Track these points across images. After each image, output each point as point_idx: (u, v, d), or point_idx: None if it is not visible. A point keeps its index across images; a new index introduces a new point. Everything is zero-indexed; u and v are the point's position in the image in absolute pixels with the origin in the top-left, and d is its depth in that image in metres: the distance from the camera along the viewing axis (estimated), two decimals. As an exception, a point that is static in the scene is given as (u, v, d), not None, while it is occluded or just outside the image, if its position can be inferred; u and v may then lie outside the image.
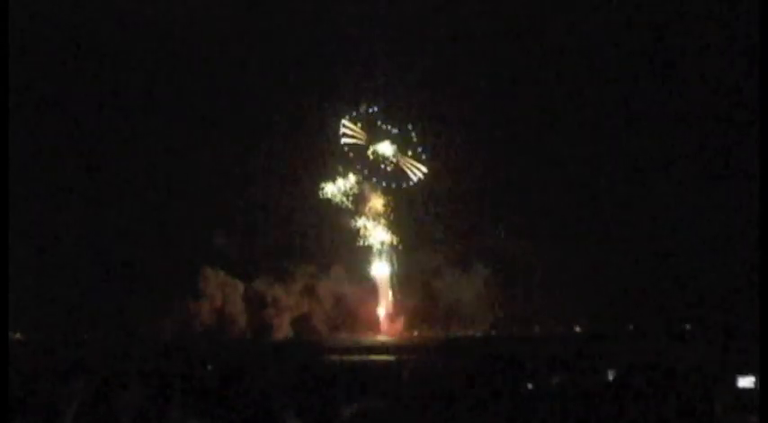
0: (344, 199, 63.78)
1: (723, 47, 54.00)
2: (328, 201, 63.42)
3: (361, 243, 63.90)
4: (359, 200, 64.00)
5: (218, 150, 59.46)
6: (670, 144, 57.61)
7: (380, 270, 64.00)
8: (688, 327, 56.67)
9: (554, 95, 59.44)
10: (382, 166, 64.32)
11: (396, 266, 63.75)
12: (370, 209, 64.00)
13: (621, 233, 58.23)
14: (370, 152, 64.33)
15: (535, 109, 59.97)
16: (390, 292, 63.52)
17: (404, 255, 63.52)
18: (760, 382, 8.60)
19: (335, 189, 63.69)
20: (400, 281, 63.37)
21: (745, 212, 44.68)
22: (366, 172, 64.27)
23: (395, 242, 63.96)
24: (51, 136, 58.82)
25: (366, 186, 64.27)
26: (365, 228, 63.93)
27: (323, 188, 63.31)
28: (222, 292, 60.65)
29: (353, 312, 62.32)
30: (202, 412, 7.68)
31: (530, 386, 10.23)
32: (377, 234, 64.00)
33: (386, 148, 64.38)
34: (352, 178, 64.03)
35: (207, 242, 60.39)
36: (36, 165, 57.00)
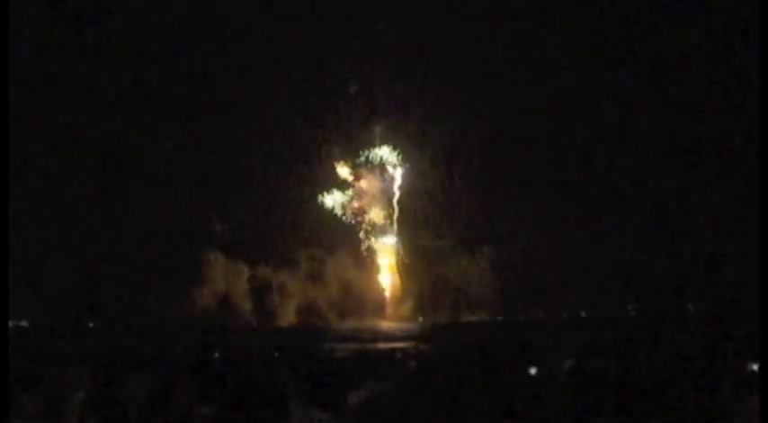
0: (343, 211, 62.92)
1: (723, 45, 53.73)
2: (329, 212, 62.69)
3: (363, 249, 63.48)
4: (357, 212, 63.21)
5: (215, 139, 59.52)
6: (673, 127, 57.51)
7: (386, 254, 63.84)
8: (691, 308, 56.72)
9: (558, 80, 59.26)
10: (381, 176, 63.18)
11: (401, 250, 63.55)
12: (370, 222, 63.24)
13: (627, 216, 58.19)
14: (362, 158, 63.31)
15: (539, 94, 59.77)
16: (397, 277, 63.40)
17: (409, 239, 63.32)
18: (760, 366, 8.60)
19: (332, 201, 62.69)
20: (406, 265, 63.23)
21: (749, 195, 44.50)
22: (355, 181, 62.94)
23: (399, 248, 63.31)
24: (54, 126, 58.80)
25: (363, 198, 63.02)
26: (366, 236, 63.36)
27: (321, 201, 62.43)
28: (226, 278, 60.48)
29: (359, 298, 62.25)
30: (209, 400, 7.66)
31: (533, 371, 10.20)
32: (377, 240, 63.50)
33: (386, 153, 63.11)
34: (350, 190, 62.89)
35: (209, 228, 60.26)
36: (35, 152, 56.99)
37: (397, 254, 63.54)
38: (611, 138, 58.63)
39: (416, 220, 62.50)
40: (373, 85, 60.32)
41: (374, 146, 62.73)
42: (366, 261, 63.71)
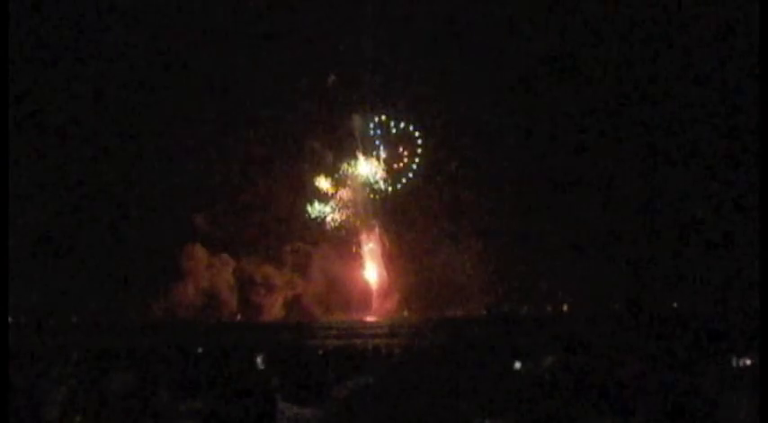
0: (331, 219, 62.76)
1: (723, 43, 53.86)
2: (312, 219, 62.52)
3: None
4: (339, 226, 63.10)
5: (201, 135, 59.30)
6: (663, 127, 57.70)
7: (371, 248, 63.78)
8: (675, 305, 56.90)
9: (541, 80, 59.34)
10: (367, 191, 63.00)
11: (387, 246, 63.44)
12: (353, 231, 63.10)
13: (614, 213, 58.36)
14: (341, 172, 62.96)
15: (523, 90, 59.81)
16: (383, 272, 63.29)
17: (395, 234, 63.24)
18: (759, 362, 8.56)
19: (314, 211, 62.56)
20: (392, 260, 63.12)
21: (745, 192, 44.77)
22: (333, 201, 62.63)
23: (384, 243, 63.26)
24: (41, 127, 58.38)
25: (344, 211, 62.93)
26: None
27: (308, 212, 62.20)
28: (210, 272, 59.97)
29: (345, 292, 62.08)
30: (193, 395, 7.63)
31: (517, 366, 10.20)
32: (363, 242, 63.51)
33: (367, 170, 62.88)
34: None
35: (190, 221, 59.91)
36: (14, 149, 56.47)
37: (383, 249, 63.47)
38: (599, 134, 58.76)
39: (402, 215, 62.53)
40: (355, 81, 60.39)
41: (355, 160, 62.83)
42: (351, 256, 63.62)
